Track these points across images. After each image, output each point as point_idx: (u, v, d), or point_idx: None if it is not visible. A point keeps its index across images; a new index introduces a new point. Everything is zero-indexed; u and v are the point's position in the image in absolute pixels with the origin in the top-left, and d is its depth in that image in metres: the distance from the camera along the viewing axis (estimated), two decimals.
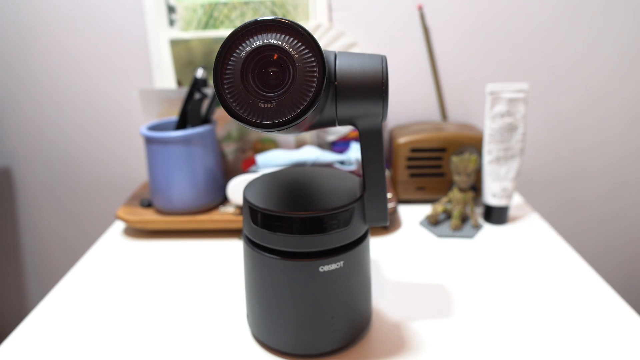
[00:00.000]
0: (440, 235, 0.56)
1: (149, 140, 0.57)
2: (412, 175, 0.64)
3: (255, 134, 0.69)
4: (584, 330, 0.39)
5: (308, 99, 0.27)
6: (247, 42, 0.28)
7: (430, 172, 0.64)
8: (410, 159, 0.64)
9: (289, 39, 0.27)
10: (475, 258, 0.51)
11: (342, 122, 0.32)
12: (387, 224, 0.36)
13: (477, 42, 0.72)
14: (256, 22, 0.27)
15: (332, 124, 0.33)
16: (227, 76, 0.28)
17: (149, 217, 0.59)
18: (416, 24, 0.72)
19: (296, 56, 0.27)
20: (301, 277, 0.34)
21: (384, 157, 0.34)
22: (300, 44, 0.27)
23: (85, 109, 0.79)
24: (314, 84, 0.27)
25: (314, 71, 0.27)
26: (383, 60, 0.31)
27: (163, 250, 0.55)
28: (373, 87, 0.30)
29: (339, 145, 0.73)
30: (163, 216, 0.58)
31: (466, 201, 0.59)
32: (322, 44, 0.71)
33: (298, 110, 0.27)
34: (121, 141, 0.80)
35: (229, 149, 0.69)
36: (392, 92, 0.75)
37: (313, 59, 0.27)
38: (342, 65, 0.30)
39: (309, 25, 0.71)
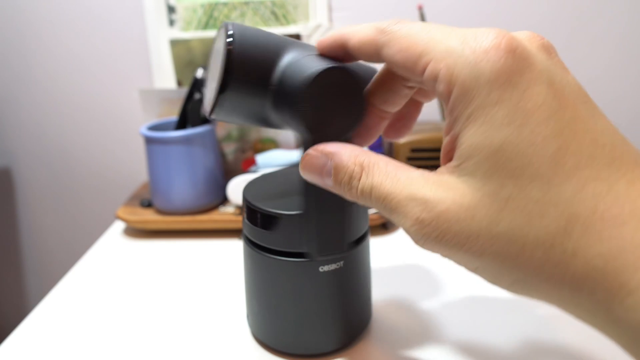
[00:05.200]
0: None
1: (149, 140, 0.57)
2: None
3: (255, 134, 0.69)
4: (584, 330, 0.39)
5: None
6: None
7: (430, 165, 0.64)
8: (410, 159, 0.64)
9: None
10: None
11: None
12: (346, 251, 0.32)
13: None
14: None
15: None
16: None
17: (149, 217, 0.59)
18: None
19: None
20: (301, 277, 0.34)
21: None
22: None
23: (85, 109, 0.79)
24: None
25: None
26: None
27: (163, 250, 0.55)
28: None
29: None
30: (163, 216, 0.58)
31: None
32: None
33: None
34: (121, 141, 0.80)
35: (229, 149, 0.69)
36: None
37: None
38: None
39: (309, 25, 0.71)
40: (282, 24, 0.72)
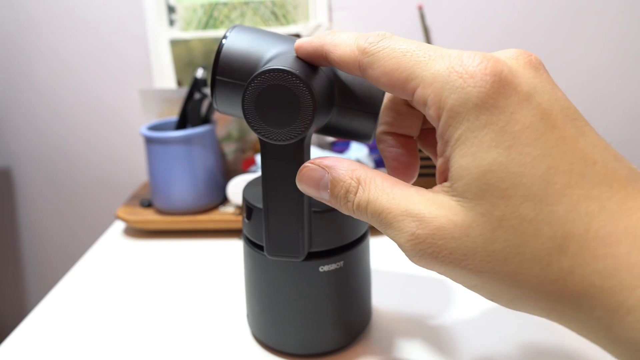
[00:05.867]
0: None
1: (149, 140, 0.57)
2: None
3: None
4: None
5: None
6: None
7: (430, 172, 0.64)
8: None
9: None
10: None
11: None
12: (300, 257, 0.30)
13: (477, 42, 0.72)
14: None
15: None
16: None
17: (149, 217, 0.59)
18: (416, 24, 0.72)
19: None
20: (301, 277, 0.34)
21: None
22: None
23: (85, 109, 0.79)
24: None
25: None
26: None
27: (163, 250, 0.55)
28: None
29: (339, 145, 0.73)
30: (163, 216, 0.58)
31: None
32: None
33: None
34: (121, 141, 0.80)
35: (229, 149, 0.69)
36: None
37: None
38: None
39: (308, 25, 0.71)
40: (282, 24, 0.72)
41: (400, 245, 0.21)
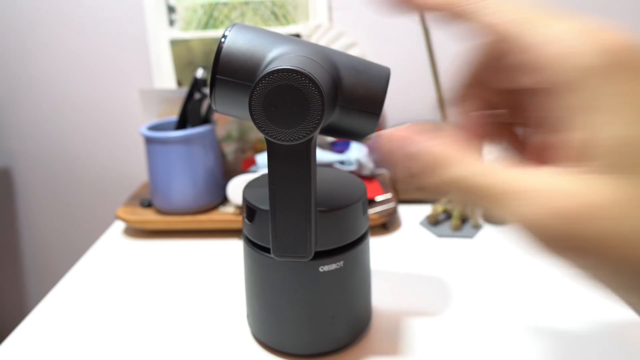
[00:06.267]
0: (440, 235, 0.56)
1: (149, 140, 0.57)
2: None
3: (255, 134, 0.69)
4: (585, 331, 0.39)
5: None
6: None
7: None
8: None
9: None
10: (475, 258, 0.51)
11: None
12: (308, 257, 0.30)
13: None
14: None
15: None
16: None
17: (149, 217, 0.59)
18: (416, 24, 0.72)
19: None
20: (301, 277, 0.34)
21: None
22: None
23: (85, 109, 0.79)
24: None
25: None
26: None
27: (163, 250, 0.55)
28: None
29: (339, 145, 0.73)
30: (163, 216, 0.58)
31: None
32: (322, 44, 0.71)
33: None
34: (121, 141, 0.80)
35: (229, 149, 0.69)
36: (391, 92, 0.75)
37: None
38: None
39: (308, 25, 0.71)
40: (282, 24, 0.72)
41: (528, 221, 0.17)
